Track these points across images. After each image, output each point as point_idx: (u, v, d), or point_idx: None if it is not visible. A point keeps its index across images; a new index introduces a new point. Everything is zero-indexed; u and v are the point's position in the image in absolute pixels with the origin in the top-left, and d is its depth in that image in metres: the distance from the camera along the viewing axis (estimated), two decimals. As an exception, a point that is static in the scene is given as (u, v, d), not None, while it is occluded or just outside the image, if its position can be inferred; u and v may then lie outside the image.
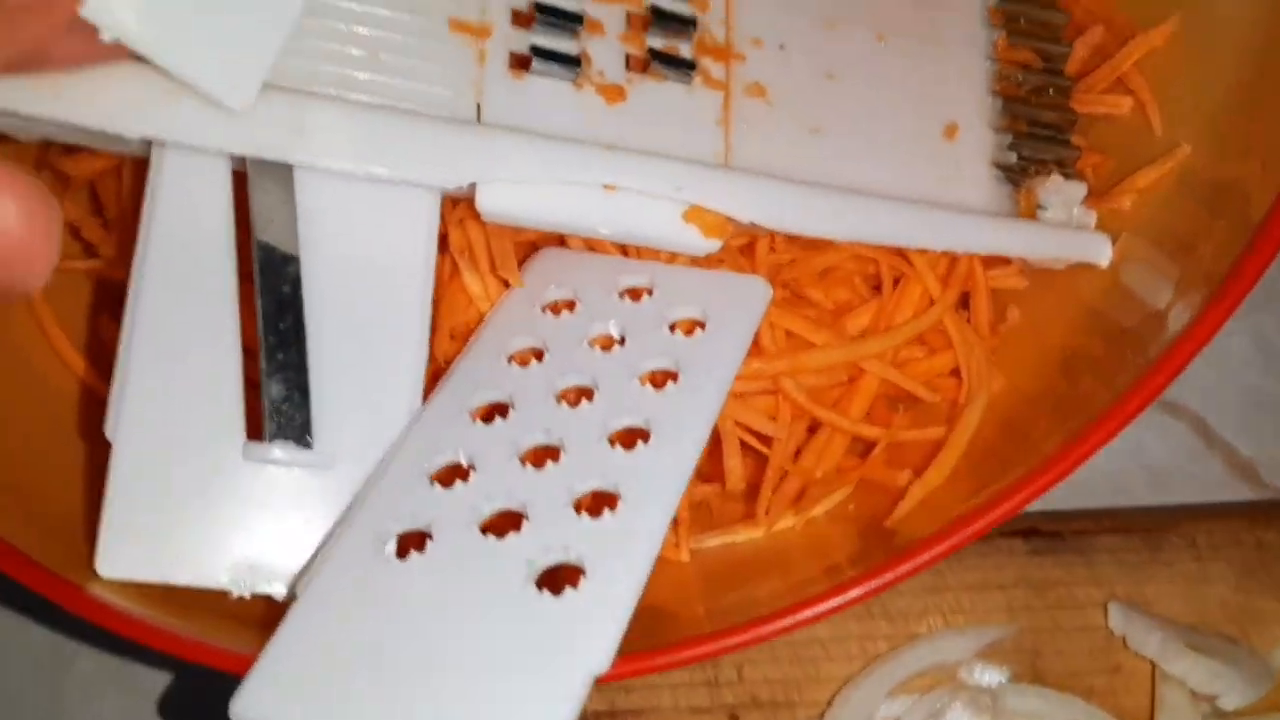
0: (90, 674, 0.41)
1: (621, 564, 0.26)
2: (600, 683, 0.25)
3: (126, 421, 0.29)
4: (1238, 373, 0.46)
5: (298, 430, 0.29)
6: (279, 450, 0.29)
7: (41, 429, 0.36)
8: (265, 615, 0.29)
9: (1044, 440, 0.33)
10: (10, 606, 0.41)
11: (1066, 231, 0.36)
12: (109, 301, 0.31)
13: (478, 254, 0.35)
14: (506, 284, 0.35)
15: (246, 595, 0.29)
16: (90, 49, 0.26)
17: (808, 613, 0.30)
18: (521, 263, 0.36)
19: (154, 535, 0.29)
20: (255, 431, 0.29)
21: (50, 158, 0.37)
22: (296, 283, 0.30)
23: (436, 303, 0.35)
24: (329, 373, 0.30)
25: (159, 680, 0.41)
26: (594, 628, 0.25)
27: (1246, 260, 0.32)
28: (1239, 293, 0.32)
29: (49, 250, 0.21)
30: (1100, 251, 0.36)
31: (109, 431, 0.29)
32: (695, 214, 0.32)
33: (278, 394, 0.29)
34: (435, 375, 0.34)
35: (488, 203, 0.31)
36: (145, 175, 0.30)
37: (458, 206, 0.35)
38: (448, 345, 0.35)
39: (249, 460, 0.29)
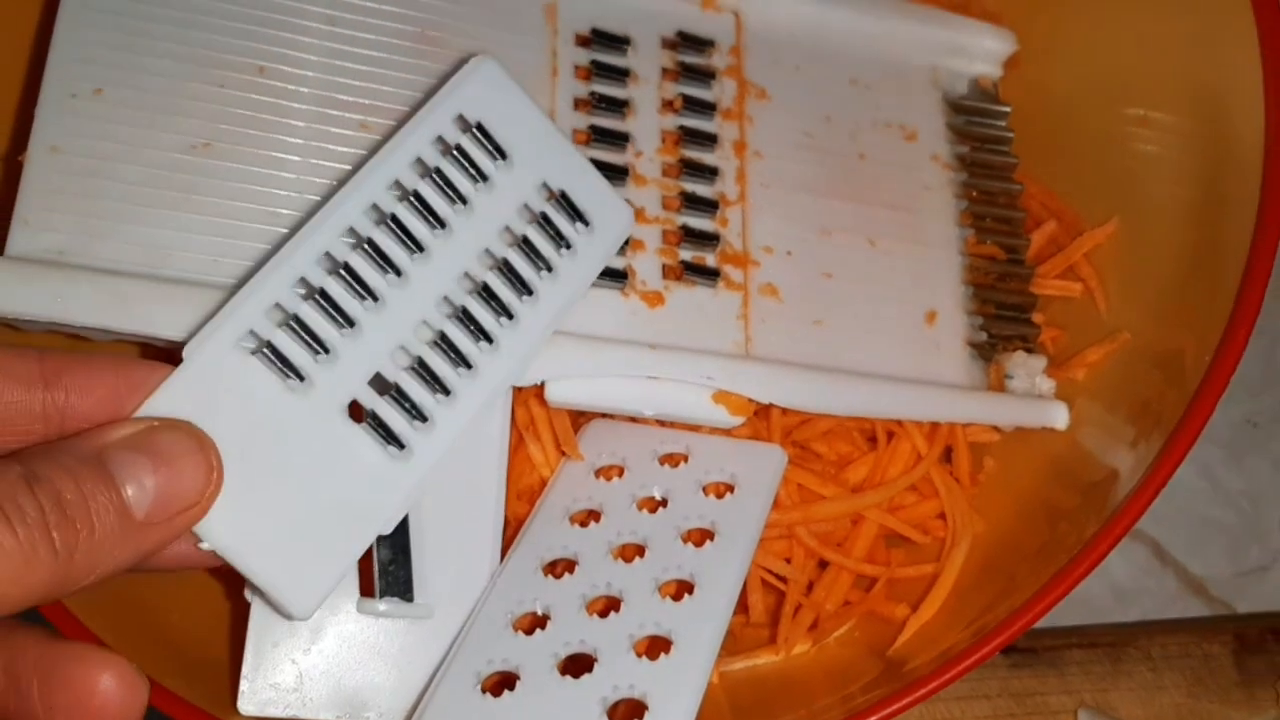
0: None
1: (676, 697, 0.33)
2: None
3: None
4: (1187, 500, 0.52)
5: (401, 587, 0.35)
6: (385, 605, 0.35)
7: (191, 586, 0.41)
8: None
9: (1026, 578, 0.38)
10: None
11: (1030, 401, 0.43)
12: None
13: (540, 429, 0.41)
14: (563, 452, 0.42)
15: None
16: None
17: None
18: (574, 432, 0.42)
19: (282, 678, 0.35)
20: (367, 589, 0.35)
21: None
22: None
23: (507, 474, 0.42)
24: (425, 537, 0.36)
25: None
26: (658, 753, 0.32)
27: (1189, 417, 0.38)
28: (1185, 445, 0.37)
29: None
30: (1058, 418, 0.43)
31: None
32: (723, 396, 0.39)
33: (385, 557, 0.35)
34: (507, 532, 0.41)
35: (555, 394, 0.38)
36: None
37: (521, 390, 0.42)
38: (515, 504, 0.42)
39: (362, 613, 0.36)
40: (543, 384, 0.38)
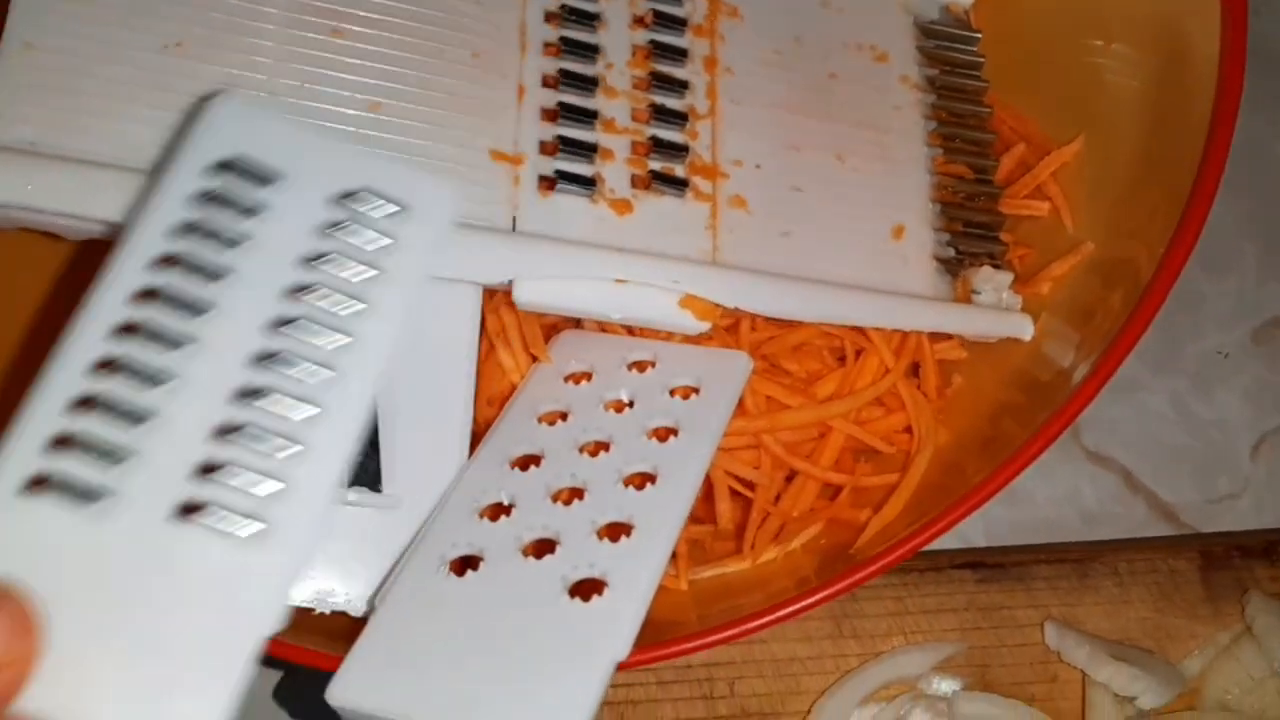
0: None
1: (636, 577, 0.33)
2: (621, 668, 0.32)
3: None
4: (1157, 429, 0.53)
5: (370, 478, 0.36)
6: (354, 494, 0.36)
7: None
8: (349, 630, 0.36)
9: (975, 475, 0.39)
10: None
11: (996, 312, 0.43)
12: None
13: (510, 335, 0.42)
14: (534, 359, 0.42)
15: (326, 611, 0.36)
16: None
17: (779, 613, 0.37)
18: (545, 343, 0.43)
19: None
20: None
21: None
22: None
23: (476, 375, 0.43)
24: (395, 431, 0.37)
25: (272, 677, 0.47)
26: (616, 625, 0.32)
27: (1134, 319, 0.39)
28: (1129, 343, 0.39)
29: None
30: (1024, 329, 0.44)
31: None
32: (689, 301, 0.40)
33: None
34: (477, 434, 0.42)
35: (523, 295, 0.38)
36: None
37: (494, 297, 0.42)
38: (486, 410, 0.42)
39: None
40: (511, 284, 0.38)
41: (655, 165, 0.41)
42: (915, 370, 0.46)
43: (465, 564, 0.35)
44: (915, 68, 0.47)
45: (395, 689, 0.32)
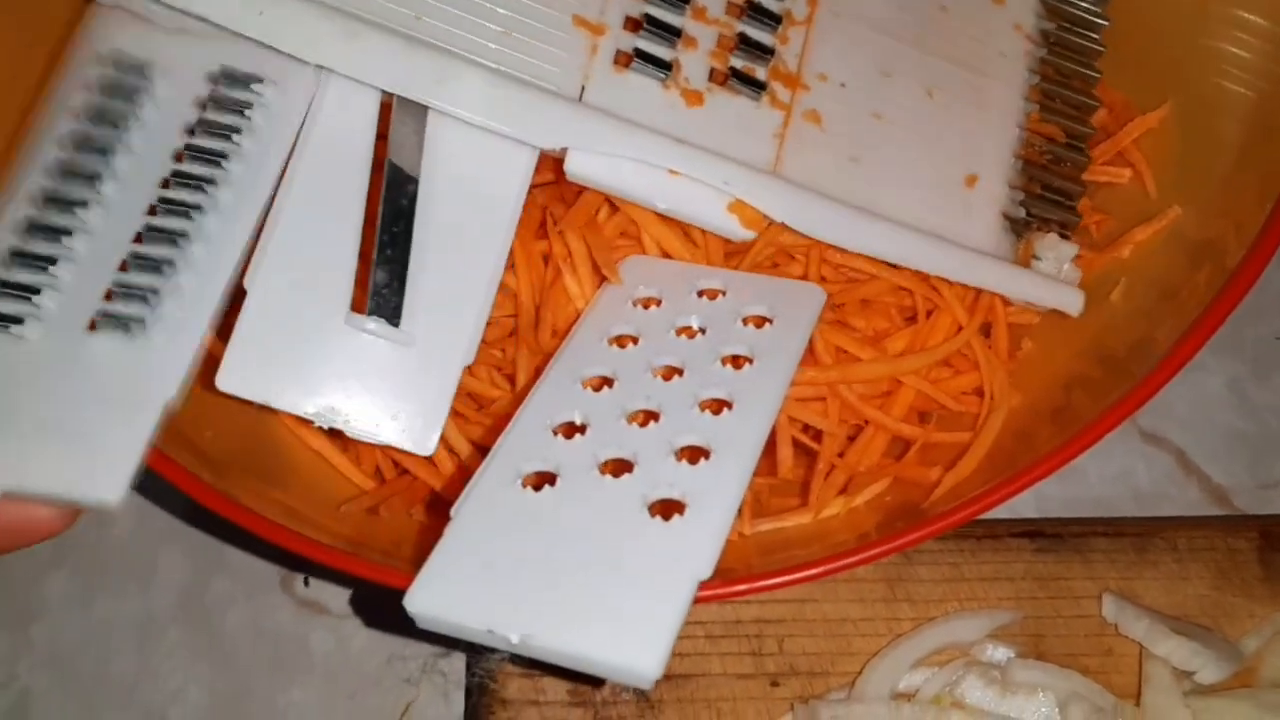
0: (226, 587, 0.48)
1: (716, 498, 0.32)
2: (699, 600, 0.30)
3: (261, 276, 0.35)
4: (1213, 412, 0.52)
5: (391, 311, 0.35)
6: (373, 324, 0.35)
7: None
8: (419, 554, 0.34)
9: (1045, 445, 0.38)
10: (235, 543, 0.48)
11: (1047, 281, 0.42)
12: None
13: (577, 260, 0.41)
14: (602, 281, 0.41)
15: (325, 427, 0.35)
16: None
17: (838, 563, 0.35)
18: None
19: (265, 367, 0.35)
20: (359, 306, 0.35)
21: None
22: (413, 199, 0.36)
23: (540, 303, 0.41)
24: (423, 274, 0.36)
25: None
26: (700, 543, 0.31)
27: (1218, 302, 0.38)
28: (1211, 327, 0.38)
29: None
30: (1073, 303, 0.42)
31: (246, 281, 0.35)
32: (738, 206, 0.39)
33: (381, 280, 0.35)
34: (538, 361, 0.40)
35: (574, 165, 0.38)
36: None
37: (559, 222, 0.41)
38: (549, 340, 0.41)
39: (349, 326, 0.35)
40: (564, 152, 0.37)
41: (737, 63, 0.40)
42: (986, 331, 0.44)
43: (541, 479, 0.33)
44: (1033, 17, 0.45)
45: (475, 599, 0.30)
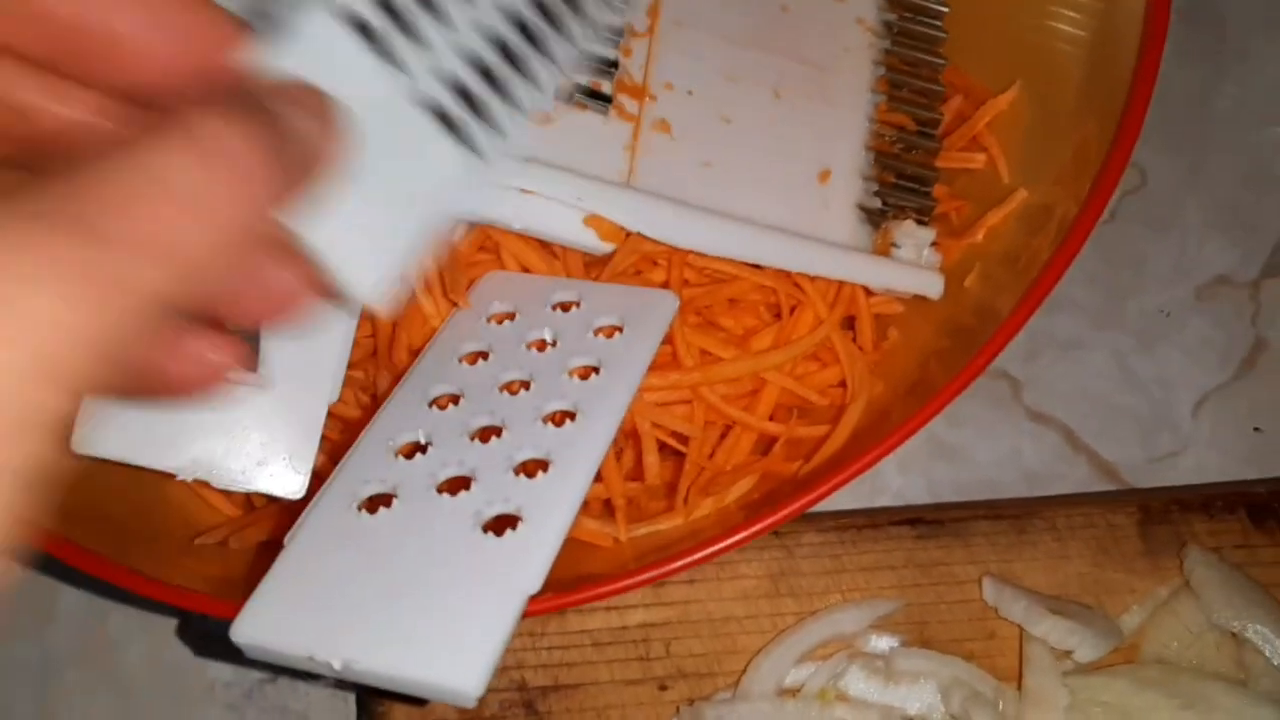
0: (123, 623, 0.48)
1: (551, 511, 0.32)
2: (549, 609, 0.30)
3: None
4: (1099, 388, 0.52)
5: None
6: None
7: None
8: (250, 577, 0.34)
9: (900, 420, 0.38)
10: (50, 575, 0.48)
11: (906, 267, 0.43)
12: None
13: (431, 281, 0.41)
14: (455, 305, 0.41)
15: (189, 480, 0.36)
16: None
17: (706, 551, 0.36)
18: (468, 287, 0.42)
19: (123, 426, 0.35)
20: None
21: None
22: None
23: (396, 323, 0.41)
24: None
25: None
26: (529, 558, 0.31)
27: (1054, 260, 0.38)
28: (1047, 285, 0.38)
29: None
30: (934, 288, 0.43)
31: None
32: (594, 221, 0.39)
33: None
34: (394, 380, 0.40)
35: None
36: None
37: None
38: (405, 358, 0.41)
39: None
40: None
41: (582, 78, 0.40)
42: (852, 324, 0.45)
43: (378, 502, 0.33)
44: (874, 10, 0.46)
45: (301, 626, 0.30)
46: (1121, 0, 0.40)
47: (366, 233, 0.29)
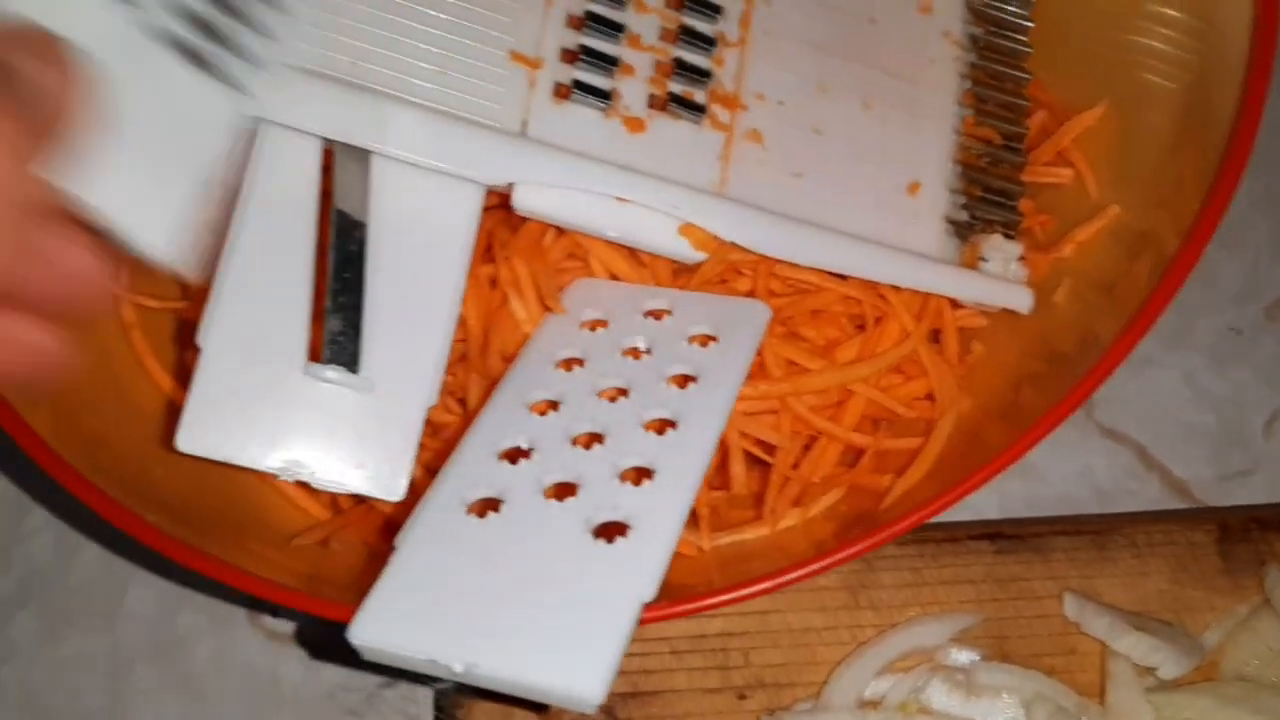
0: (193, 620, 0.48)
1: (661, 519, 0.32)
2: (641, 622, 0.30)
3: (214, 333, 0.35)
4: (1171, 405, 0.52)
5: (349, 358, 0.36)
6: (332, 372, 0.35)
7: (135, 433, 0.41)
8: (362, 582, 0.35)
9: (996, 444, 0.38)
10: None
11: (995, 281, 0.43)
12: (191, 334, 0.38)
13: (523, 285, 0.41)
14: (548, 310, 0.41)
15: (290, 480, 0.36)
16: None
17: (796, 574, 0.36)
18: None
19: (225, 425, 0.35)
20: (315, 355, 0.36)
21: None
22: (363, 244, 0.36)
23: (488, 328, 0.42)
24: (378, 318, 0.36)
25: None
26: (642, 565, 0.31)
27: (1157, 292, 0.38)
28: (1151, 316, 0.38)
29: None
30: (1023, 302, 0.43)
31: (199, 340, 0.35)
32: (687, 229, 0.39)
33: (336, 328, 0.36)
34: (486, 385, 0.40)
35: (521, 199, 0.38)
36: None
37: (505, 247, 0.41)
38: (497, 364, 0.41)
39: (307, 376, 0.36)
40: (511, 187, 0.38)
41: (675, 87, 0.41)
42: (936, 337, 0.45)
43: (486, 506, 0.34)
44: (960, 23, 0.46)
45: (418, 628, 0.30)
46: (1221, 24, 0.40)
47: (143, 184, 0.28)
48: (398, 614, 0.31)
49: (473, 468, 0.35)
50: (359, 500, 0.41)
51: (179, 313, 0.44)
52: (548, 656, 0.29)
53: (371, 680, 0.46)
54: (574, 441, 0.35)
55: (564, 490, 0.34)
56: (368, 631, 0.30)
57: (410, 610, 0.31)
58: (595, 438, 0.35)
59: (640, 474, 0.34)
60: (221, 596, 0.48)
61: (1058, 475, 0.51)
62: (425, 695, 0.45)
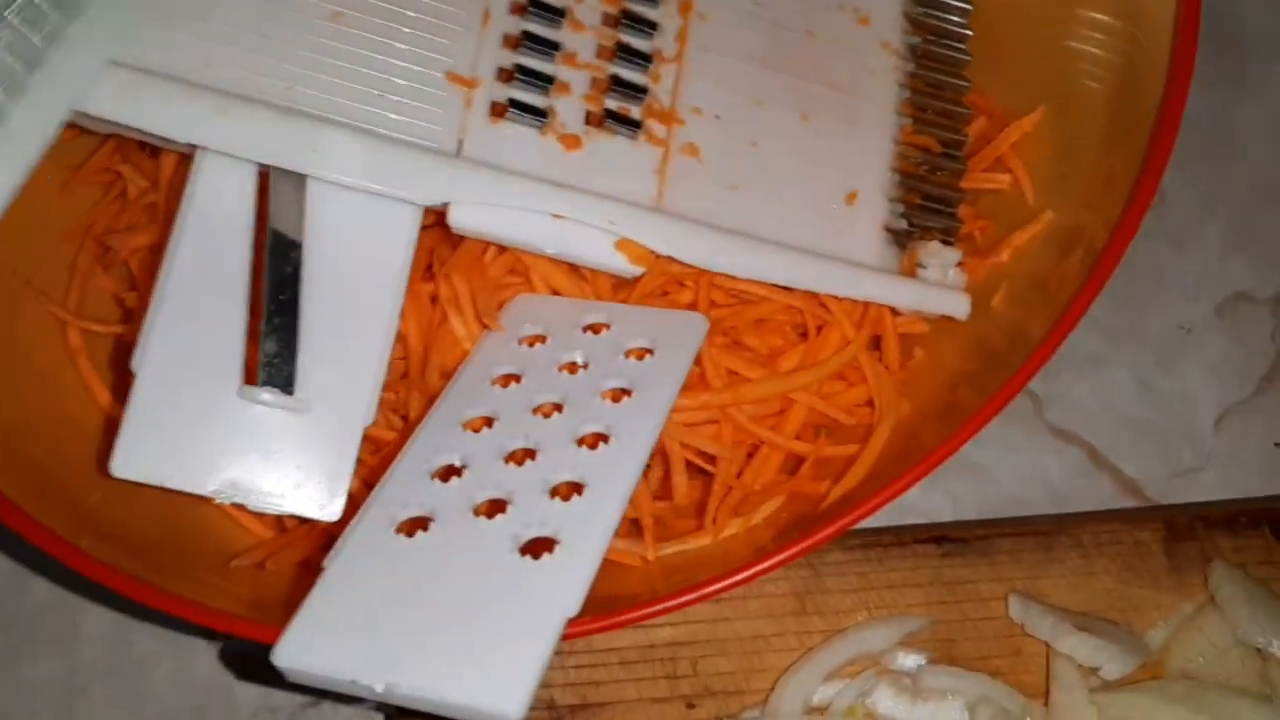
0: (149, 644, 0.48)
1: (588, 534, 0.32)
2: (581, 634, 0.31)
3: (149, 357, 0.36)
4: (1121, 404, 0.52)
5: (284, 380, 0.36)
6: (267, 394, 0.36)
7: (81, 458, 0.41)
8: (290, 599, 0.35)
9: (934, 445, 0.38)
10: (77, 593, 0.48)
11: (933, 288, 0.43)
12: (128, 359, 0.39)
13: (463, 303, 0.41)
14: (485, 327, 0.41)
15: (227, 504, 0.36)
16: None
17: (737, 577, 0.36)
18: (498, 309, 0.42)
19: (160, 449, 0.36)
20: (251, 378, 0.36)
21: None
22: (298, 265, 0.37)
23: (428, 345, 0.42)
24: (314, 339, 0.37)
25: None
26: (567, 580, 0.31)
27: (1086, 285, 0.38)
28: (1081, 308, 0.38)
29: None
30: (960, 308, 0.43)
31: (134, 364, 0.36)
32: (624, 244, 0.39)
33: (271, 349, 0.36)
34: (426, 402, 0.41)
35: (457, 218, 0.38)
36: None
37: (445, 265, 0.42)
38: (438, 382, 0.41)
39: (243, 399, 0.36)
40: (447, 206, 0.38)
41: (611, 104, 0.41)
42: (877, 344, 0.45)
43: (416, 525, 0.34)
44: (898, 33, 0.46)
45: (342, 649, 0.30)
46: (1147, 26, 0.40)
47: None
48: (322, 635, 0.31)
49: (404, 487, 0.35)
50: (302, 520, 0.42)
51: (119, 336, 0.45)
52: (468, 675, 0.29)
53: (295, 699, 0.46)
54: (506, 458, 0.36)
55: (494, 507, 0.34)
56: (291, 654, 0.31)
57: (334, 631, 0.31)
58: (528, 453, 0.36)
59: (571, 489, 0.34)
60: (176, 621, 0.48)
61: (1009, 476, 0.51)
62: (350, 714, 0.46)
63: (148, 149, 0.46)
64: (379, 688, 0.29)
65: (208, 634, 0.48)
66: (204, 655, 0.48)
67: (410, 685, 0.29)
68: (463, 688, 0.29)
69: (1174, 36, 0.40)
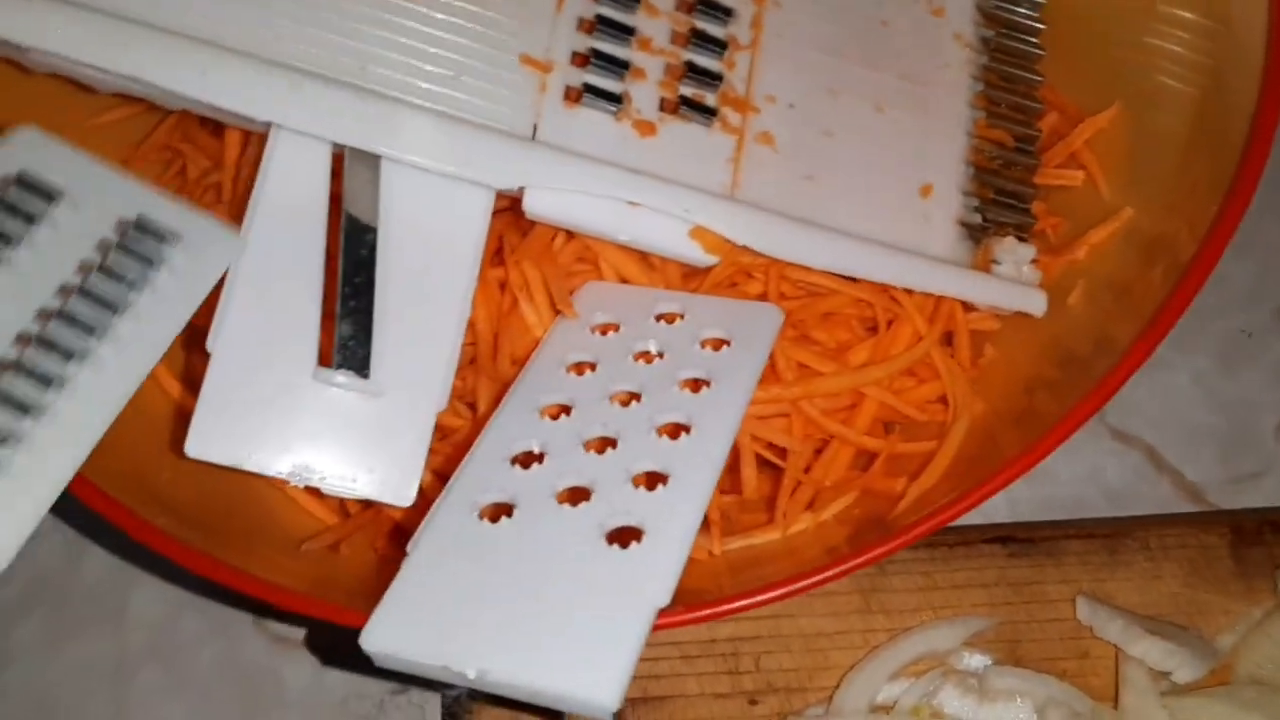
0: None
1: (675, 524, 0.32)
2: (655, 628, 0.30)
3: (224, 338, 0.35)
4: (1182, 407, 0.52)
5: (358, 363, 0.35)
6: (341, 376, 0.35)
7: (144, 438, 0.40)
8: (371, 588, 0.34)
9: (1010, 449, 0.38)
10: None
11: (1010, 284, 0.42)
12: (199, 341, 0.38)
13: (534, 289, 0.41)
14: (557, 313, 0.41)
15: (300, 486, 0.36)
16: None
17: (810, 580, 0.35)
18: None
19: (235, 430, 0.35)
20: (326, 360, 0.35)
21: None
22: (373, 248, 0.36)
23: (498, 331, 0.41)
24: (388, 323, 0.36)
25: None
26: (657, 571, 0.31)
27: (1174, 297, 0.38)
28: (1168, 322, 0.38)
29: None
30: (1037, 304, 0.43)
31: (210, 344, 0.35)
32: (699, 233, 0.39)
33: (346, 332, 0.35)
34: (497, 389, 0.40)
35: (532, 203, 0.38)
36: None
37: (515, 251, 0.41)
38: (507, 368, 0.41)
39: (316, 381, 0.36)
40: (521, 191, 0.38)
41: (686, 91, 0.40)
42: (948, 340, 0.45)
43: (498, 510, 0.33)
44: (971, 26, 0.46)
45: (431, 634, 0.30)
46: (1236, 25, 0.40)
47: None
48: (410, 620, 0.30)
49: (484, 472, 0.34)
50: (367, 505, 0.41)
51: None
52: (561, 663, 0.29)
53: (382, 687, 0.46)
54: (586, 446, 0.35)
55: (577, 495, 0.33)
56: (381, 638, 0.30)
57: (423, 616, 0.31)
58: (608, 442, 0.35)
59: (653, 478, 0.34)
60: (226, 602, 0.48)
61: (1068, 476, 0.50)
62: (435, 701, 0.45)
63: (210, 127, 0.45)
64: (471, 674, 0.29)
65: (255, 615, 0.47)
66: (251, 639, 0.47)
67: (502, 672, 0.29)
68: (557, 675, 0.29)
69: (1267, 40, 0.39)
